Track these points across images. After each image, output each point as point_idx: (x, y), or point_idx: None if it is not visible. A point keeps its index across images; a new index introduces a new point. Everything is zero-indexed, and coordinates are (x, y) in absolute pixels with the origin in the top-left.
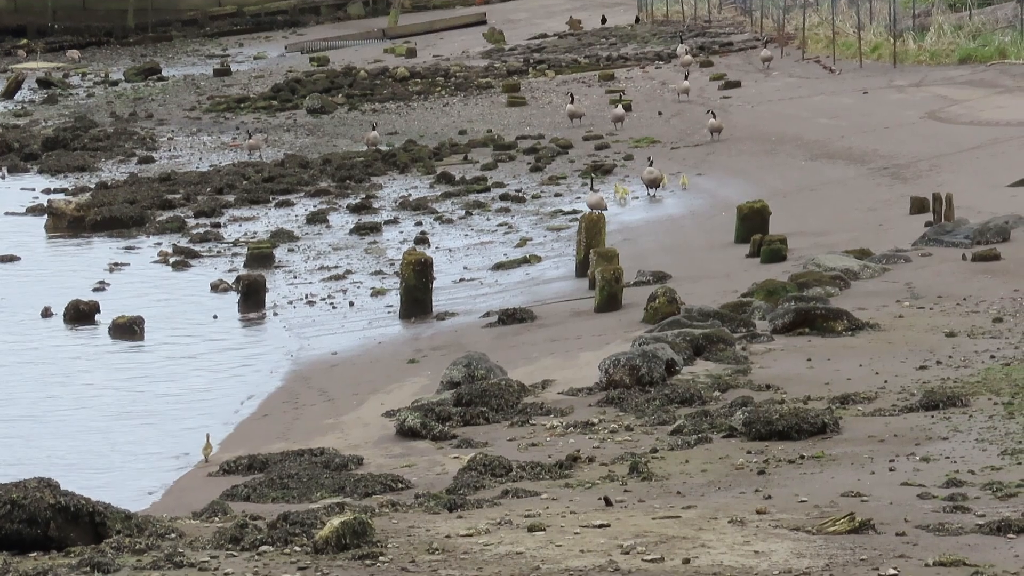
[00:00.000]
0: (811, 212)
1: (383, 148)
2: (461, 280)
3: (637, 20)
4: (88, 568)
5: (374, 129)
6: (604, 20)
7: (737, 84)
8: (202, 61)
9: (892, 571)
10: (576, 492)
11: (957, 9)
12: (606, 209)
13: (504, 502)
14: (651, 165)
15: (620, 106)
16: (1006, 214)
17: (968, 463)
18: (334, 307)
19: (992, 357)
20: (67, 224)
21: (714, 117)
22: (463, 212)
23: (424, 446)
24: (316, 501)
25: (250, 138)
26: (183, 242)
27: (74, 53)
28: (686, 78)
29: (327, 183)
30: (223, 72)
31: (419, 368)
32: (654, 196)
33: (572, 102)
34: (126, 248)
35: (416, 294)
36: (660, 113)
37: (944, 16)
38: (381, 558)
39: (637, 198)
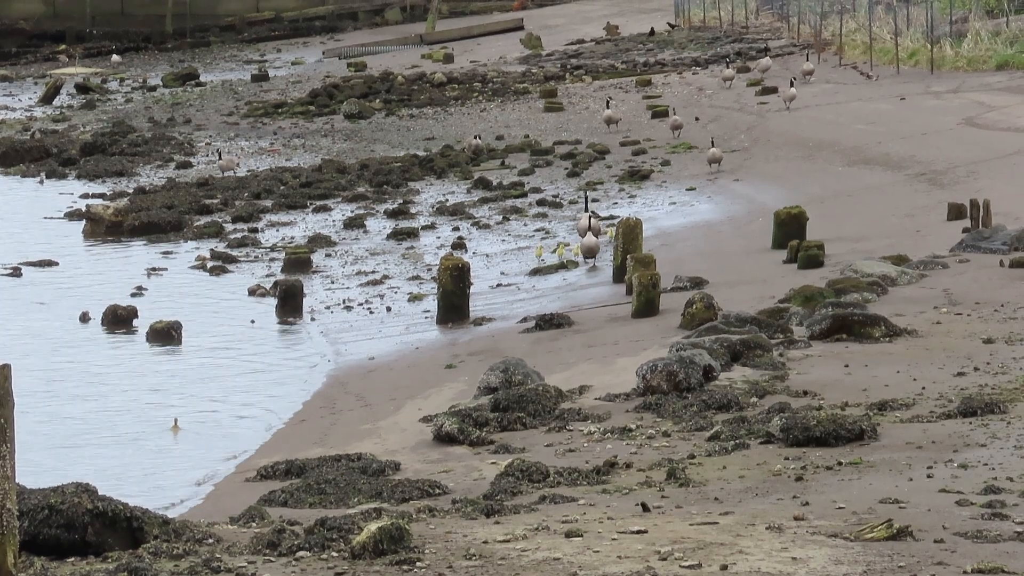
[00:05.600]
0: (848, 218)
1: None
2: (498, 285)
3: (672, 26)
4: (125, 573)
5: (477, 138)
6: (652, 31)
7: (774, 90)
8: (240, 66)
9: None
10: (613, 498)
11: (994, 15)
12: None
13: (541, 508)
14: (590, 216)
15: (676, 115)
16: None
17: (1006, 470)
18: (371, 312)
19: None
20: (105, 229)
21: (713, 146)
22: (500, 217)
23: (461, 451)
24: (353, 507)
25: (220, 158)
26: (221, 247)
27: (116, 58)
28: (792, 85)
29: (364, 188)
30: (261, 77)
31: (456, 373)
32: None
33: (609, 107)
34: (164, 253)
35: (453, 299)
36: (697, 119)
37: (981, 22)
38: (418, 564)
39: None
